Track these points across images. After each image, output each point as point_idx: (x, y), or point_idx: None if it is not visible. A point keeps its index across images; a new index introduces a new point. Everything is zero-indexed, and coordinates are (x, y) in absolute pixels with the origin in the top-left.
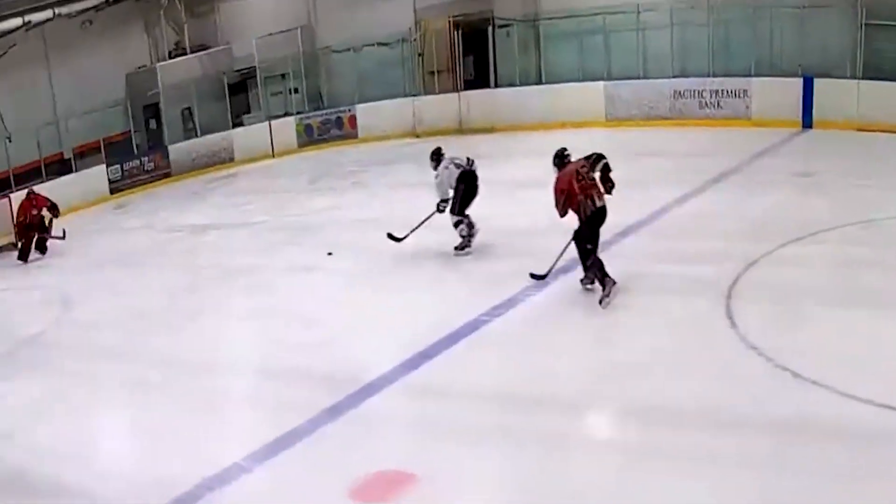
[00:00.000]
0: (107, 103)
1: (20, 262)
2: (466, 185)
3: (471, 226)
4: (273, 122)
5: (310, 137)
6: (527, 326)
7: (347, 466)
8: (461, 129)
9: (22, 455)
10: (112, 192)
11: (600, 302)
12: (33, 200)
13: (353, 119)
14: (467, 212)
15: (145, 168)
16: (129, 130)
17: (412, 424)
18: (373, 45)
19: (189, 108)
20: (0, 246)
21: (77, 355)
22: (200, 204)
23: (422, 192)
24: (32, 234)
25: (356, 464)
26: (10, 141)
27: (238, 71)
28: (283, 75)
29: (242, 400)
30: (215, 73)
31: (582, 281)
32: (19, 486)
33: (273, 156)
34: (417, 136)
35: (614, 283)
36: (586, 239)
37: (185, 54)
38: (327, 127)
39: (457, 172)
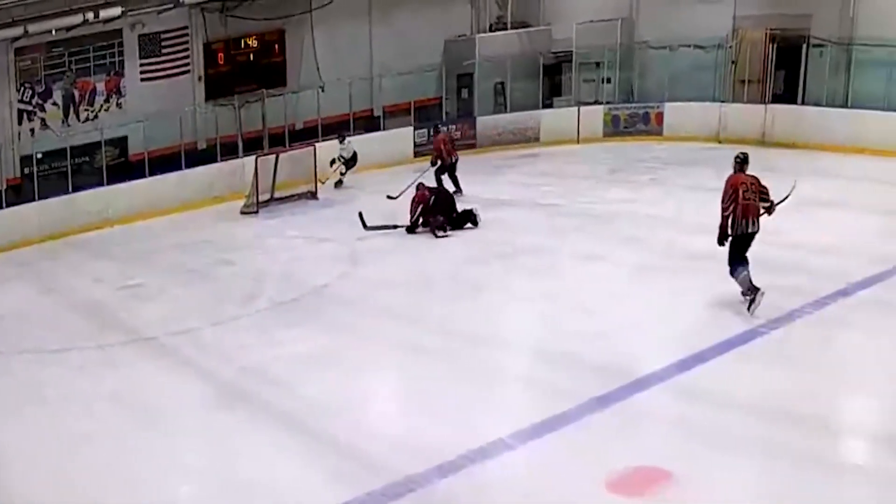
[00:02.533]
0: (422, 67)
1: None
2: None
3: None
4: (582, 109)
5: (615, 128)
6: (802, 343)
7: (608, 457)
8: (763, 141)
9: (296, 404)
10: (416, 155)
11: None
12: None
13: (660, 116)
14: None
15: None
16: (441, 97)
17: (676, 424)
18: (689, 46)
19: (502, 83)
20: (300, 193)
21: (359, 312)
22: (499, 178)
23: (717, 196)
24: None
25: (616, 456)
26: (322, 91)
27: (554, 53)
28: (597, 64)
29: (514, 378)
30: (532, 52)
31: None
32: (291, 431)
33: (577, 141)
34: (720, 142)
35: (760, 292)
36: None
37: (505, 29)
38: (634, 120)
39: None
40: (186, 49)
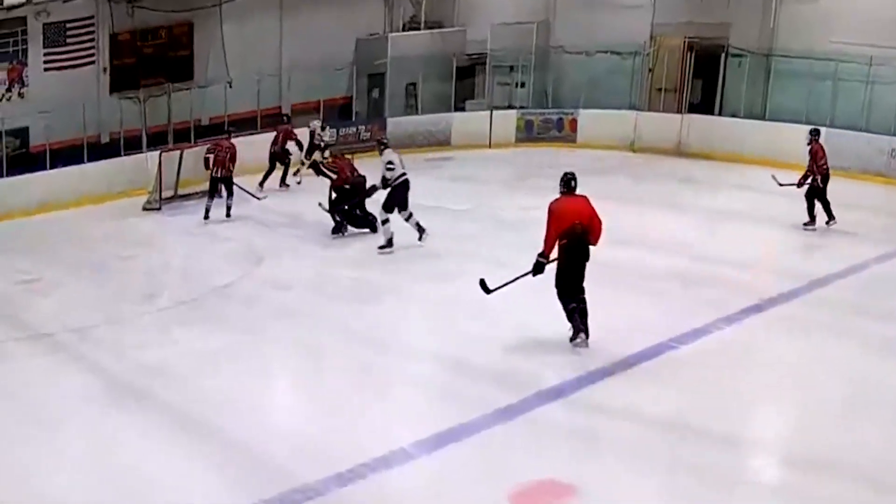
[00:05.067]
0: (333, 65)
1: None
2: (402, 189)
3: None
4: (495, 113)
5: (528, 134)
6: (710, 359)
7: (510, 469)
8: (679, 151)
9: (194, 402)
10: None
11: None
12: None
13: (574, 122)
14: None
15: (361, 136)
16: (351, 97)
17: (580, 437)
18: (606, 52)
19: (414, 84)
20: (205, 190)
21: (260, 312)
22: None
23: (630, 207)
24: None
25: (519, 468)
26: (230, 86)
27: (468, 55)
28: (511, 67)
29: (417, 385)
30: (445, 53)
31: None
32: (187, 431)
33: (489, 146)
34: (634, 151)
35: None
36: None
37: (419, 29)
38: (547, 126)
39: (399, 171)
40: (92, 39)
